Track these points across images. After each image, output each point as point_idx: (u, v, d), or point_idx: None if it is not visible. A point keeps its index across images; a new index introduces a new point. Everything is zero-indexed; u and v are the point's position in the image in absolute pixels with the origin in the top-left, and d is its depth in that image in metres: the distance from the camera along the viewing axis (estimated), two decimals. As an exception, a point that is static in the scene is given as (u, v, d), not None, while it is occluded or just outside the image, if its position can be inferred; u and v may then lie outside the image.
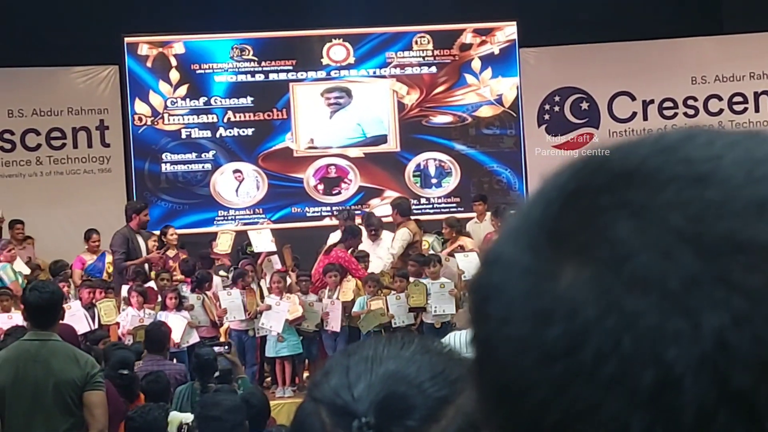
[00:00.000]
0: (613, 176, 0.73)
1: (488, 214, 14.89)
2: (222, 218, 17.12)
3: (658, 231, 0.69)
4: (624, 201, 0.71)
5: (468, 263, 12.57)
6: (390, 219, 14.28)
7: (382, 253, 13.54)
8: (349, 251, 13.34)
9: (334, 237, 13.85)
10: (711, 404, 0.66)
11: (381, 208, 16.68)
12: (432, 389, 1.29)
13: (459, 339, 7.44)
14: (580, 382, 0.69)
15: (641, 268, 0.68)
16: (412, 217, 14.32)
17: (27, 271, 13.19)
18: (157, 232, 14.36)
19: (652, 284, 0.68)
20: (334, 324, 12.51)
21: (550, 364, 0.70)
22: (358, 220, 14.55)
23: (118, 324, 12.11)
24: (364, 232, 13.86)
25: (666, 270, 0.68)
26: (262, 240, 13.87)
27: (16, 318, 11.10)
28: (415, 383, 1.30)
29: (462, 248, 13.61)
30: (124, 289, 12.64)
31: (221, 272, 13.55)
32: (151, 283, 12.90)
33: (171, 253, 14.03)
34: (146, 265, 13.49)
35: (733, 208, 0.69)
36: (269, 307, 12.39)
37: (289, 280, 13.14)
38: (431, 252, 13.53)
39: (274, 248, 13.89)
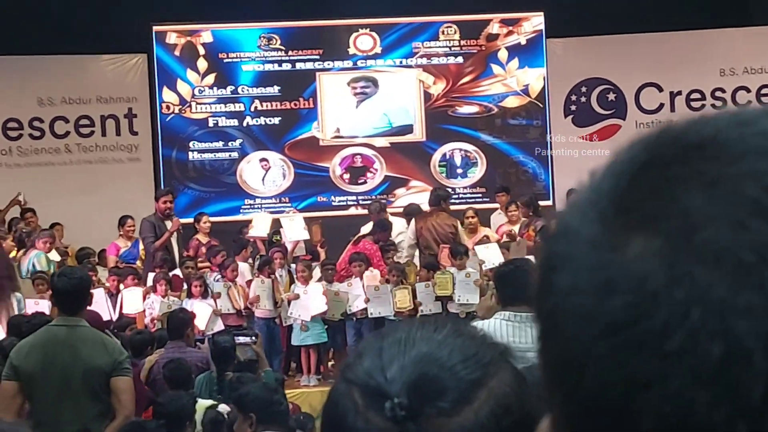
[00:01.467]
0: (687, 147, 0.72)
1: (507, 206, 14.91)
2: (248, 207, 17.15)
3: (732, 201, 0.68)
4: (697, 171, 0.70)
5: (489, 254, 12.59)
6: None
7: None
8: (378, 244, 13.36)
9: (365, 229, 13.86)
10: None
11: (405, 197, 16.69)
12: (464, 372, 1.29)
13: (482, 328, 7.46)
14: (645, 354, 0.68)
15: (713, 238, 0.67)
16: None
17: (57, 258, 13.26)
18: (191, 219, 14.45)
19: (724, 255, 0.67)
20: (360, 303, 12.53)
21: (614, 335, 0.69)
22: (389, 211, 14.56)
23: (143, 312, 12.16)
24: (404, 222, 13.88)
25: (739, 241, 0.67)
26: (295, 228, 13.87)
27: (42, 304, 11.17)
28: (447, 365, 1.30)
29: (487, 238, 13.61)
30: (151, 276, 12.71)
31: (248, 260, 13.58)
32: (177, 271, 12.96)
33: (203, 239, 14.09)
34: (174, 247, 13.52)
35: None
36: (297, 296, 12.42)
37: (315, 265, 13.17)
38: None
39: (306, 236, 13.92)
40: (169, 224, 13.57)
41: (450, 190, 16.09)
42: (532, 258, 11.52)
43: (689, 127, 0.75)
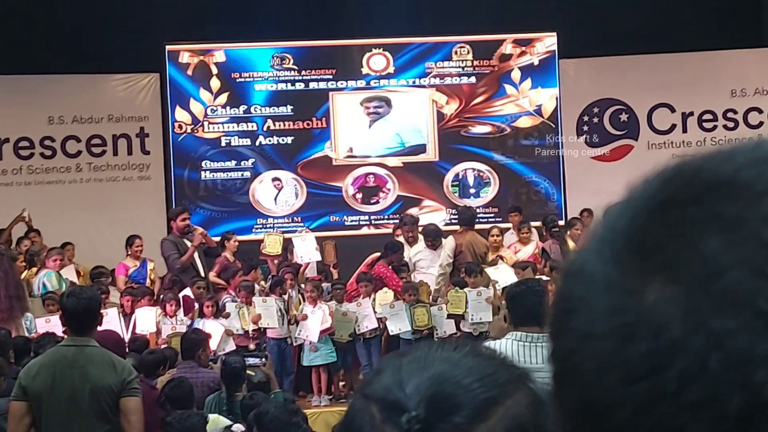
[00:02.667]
0: (705, 187, 0.71)
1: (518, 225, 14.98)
2: (261, 226, 17.15)
3: (751, 246, 0.66)
4: (715, 213, 0.69)
5: (500, 274, 12.58)
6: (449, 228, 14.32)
7: (442, 263, 13.39)
8: (391, 266, 13.34)
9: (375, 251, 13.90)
10: None
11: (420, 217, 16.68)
12: (480, 390, 1.31)
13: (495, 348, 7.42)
14: (665, 403, 0.67)
15: (731, 285, 0.66)
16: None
17: (73, 276, 13.24)
18: (218, 238, 14.47)
19: (743, 303, 0.65)
20: (369, 323, 12.52)
21: (635, 384, 0.68)
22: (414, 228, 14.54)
23: (157, 332, 12.16)
24: (422, 241, 13.82)
25: (758, 288, 0.65)
26: (306, 248, 13.83)
27: (54, 321, 11.15)
28: (464, 383, 1.31)
29: (501, 258, 13.60)
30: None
31: (261, 282, 13.58)
32: (188, 291, 12.95)
33: (230, 258, 14.09)
34: (198, 263, 13.52)
35: None
36: (305, 317, 12.41)
37: (325, 285, 13.18)
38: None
39: (318, 257, 13.89)
40: (188, 244, 13.56)
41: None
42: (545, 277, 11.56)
43: (706, 164, 0.73)
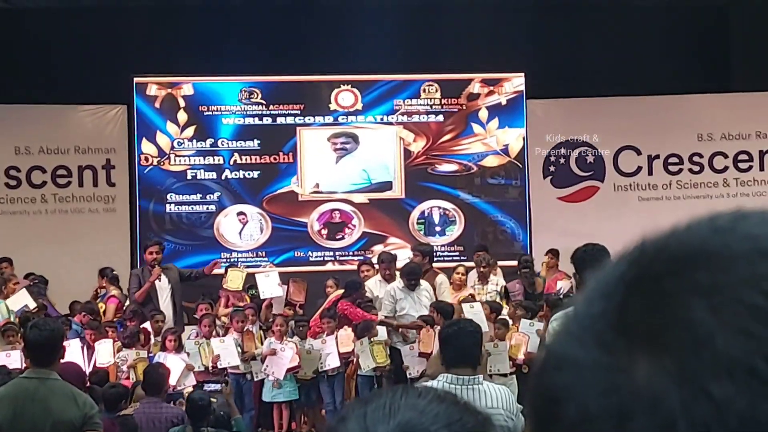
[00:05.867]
0: (676, 260, 0.71)
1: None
2: (225, 260, 17.01)
3: (735, 309, 0.66)
4: (693, 282, 0.68)
5: (473, 314, 12.41)
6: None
7: (424, 302, 13.06)
8: (357, 303, 13.26)
9: (334, 290, 13.85)
10: None
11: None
12: None
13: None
14: None
15: (723, 350, 0.65)
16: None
17: (33, 305, 13.11)
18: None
19: (737, 367, 0.65)
20: (332, 362, 12.46)
21: None
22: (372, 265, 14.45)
23: (114, 364, 12.07)
24: (378, 275, 13.62)
25: (749, 350, 0.65)
26: (269, 284, 13.77)
27: (14, 356, 11.04)
28: (431, 430, 1.29)
29: (472, 297, 13.51)
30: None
31: (223, 318, 13.53)
32: (147, 324, 12.89)
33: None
34: (160, 297, 13.52)
35: None
36: (273, 352, 12.33)
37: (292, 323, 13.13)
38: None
39: (281, 293, 13.84)
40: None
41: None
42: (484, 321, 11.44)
43: (669, 239, 0.73)
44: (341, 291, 13.55)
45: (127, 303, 13.85)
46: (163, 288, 13.54)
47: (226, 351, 12.29)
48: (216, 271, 14.58)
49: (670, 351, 0.67)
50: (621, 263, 0.74)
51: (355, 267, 15.34)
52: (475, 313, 12.35)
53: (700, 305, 0.67)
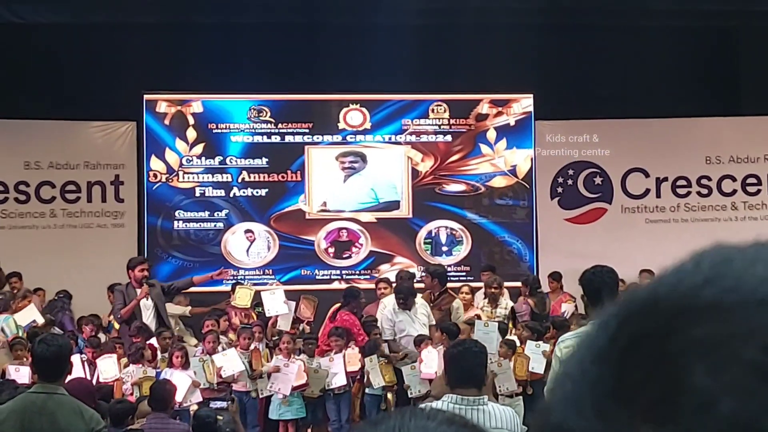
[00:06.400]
0: (669, 316, 0.68)
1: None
2: (232, 278, 17.10)
3: (736, 369, 0.64)
4: (689, 341, 0.66)
5: (486, 332, 12.30)
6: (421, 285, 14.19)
7: (422, 319, 13.03)
8: (355, 312, 13.25)
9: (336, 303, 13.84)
10: None
11: (389, 273, 16.58)
12: None
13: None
14: None
15: (728, 414, 0.63)
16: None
17: (41, 320, 13.12)
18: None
19: (744, 430, 0.63)
20: (339, 380, 12.45)
21: None
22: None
23: (119, 380, 12.05)
24: (392, 300, 13.35)
25: (754, 411, 0.63)
26: (275, 302, 13.75)
27: (23, 371, 11.06)
28: None
29: (478, 317, 13.49)
30: (127, 345, 12.66)
31: (230, 334, 13.51)
32: (153, 341, 12.88)
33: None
34: (144, 314, 13.44)
35: None
36: (278, 369, 12.33)
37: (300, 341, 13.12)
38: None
39: (286, 310, 13.81)
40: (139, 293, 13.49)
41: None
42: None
43: (658, 294, 0.70)
44: (339, 303, 13.58)
45: (114, 317, 13.85)
46: (147, 305, 13.48)
47: (229, 362, 12.28)
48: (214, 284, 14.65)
49: (674, 419, 0.65)
50: (610, 322, 0.71)
51: (364, 285, 15.32)
52: (487, 332, 12.31)
53: (700, 368, 0.65)
